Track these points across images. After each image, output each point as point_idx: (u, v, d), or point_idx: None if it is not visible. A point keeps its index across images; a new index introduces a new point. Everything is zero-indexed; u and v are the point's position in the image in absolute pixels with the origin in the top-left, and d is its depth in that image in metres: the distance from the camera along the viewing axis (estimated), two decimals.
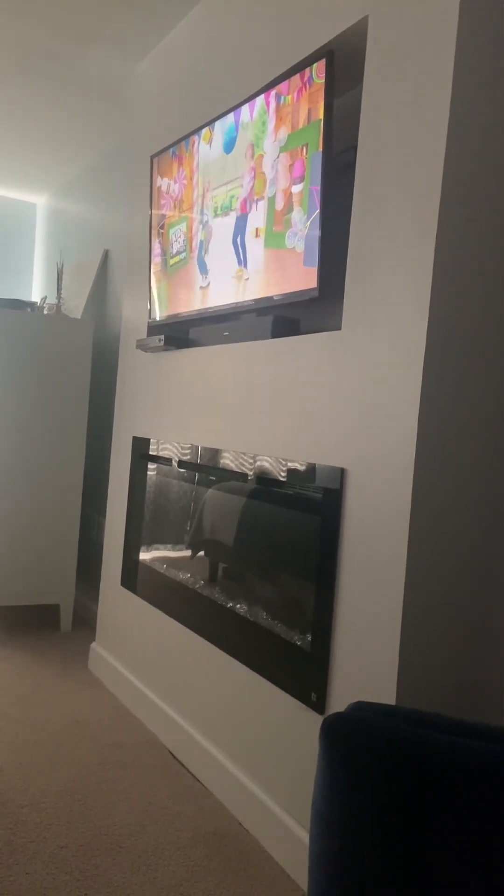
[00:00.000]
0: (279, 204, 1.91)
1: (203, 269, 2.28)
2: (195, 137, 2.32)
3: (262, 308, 2.02)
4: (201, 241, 2.29)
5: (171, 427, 2.48)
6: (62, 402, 3.34)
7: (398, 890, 0.94)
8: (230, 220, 2.12)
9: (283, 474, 1.88)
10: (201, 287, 2.28)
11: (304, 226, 1.81)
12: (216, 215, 2.20)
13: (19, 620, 3.57)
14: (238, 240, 2.05)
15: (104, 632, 2.93)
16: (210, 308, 2.25)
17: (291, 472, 1.84)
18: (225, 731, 2.07)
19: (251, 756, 1.94)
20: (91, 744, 2.33)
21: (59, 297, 3.67)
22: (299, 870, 1.71)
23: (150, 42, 2.77)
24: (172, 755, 2.28)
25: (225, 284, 2.15)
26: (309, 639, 1.76)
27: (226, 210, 2.15)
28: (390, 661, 1.50)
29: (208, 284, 2.24)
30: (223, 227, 2.16)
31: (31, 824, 1.86)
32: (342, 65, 1.78)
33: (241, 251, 2.04)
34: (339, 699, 1.64)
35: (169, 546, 2.54)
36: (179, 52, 2.61)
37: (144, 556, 2.64)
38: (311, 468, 1.77)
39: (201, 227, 2.29)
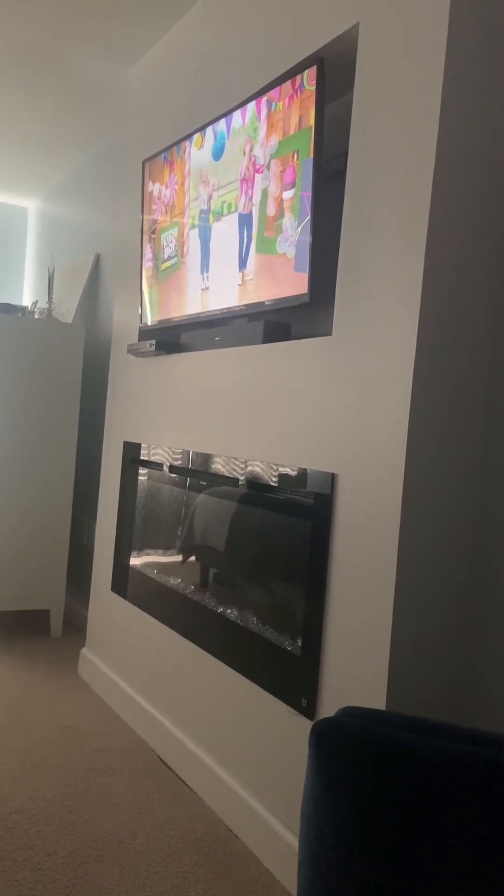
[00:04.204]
0: (270, 210, 1.91)
1: (202, 272, 2.28)
2: (187, 143, 2.33)
3: (253, 313, 2.02)
4: (196, 246, 2.29)
5: (162, 432, 2.47)
6: (53, 407, 3.34)
7: (388, 894, 0.93)
8: (228, 224, 2.12)
9: (274, 479, 1.88)
10: (202, 289, 2.27)
11: (294, 232, 1.82)
12: (211, 220, 2.20)
13: (9, 625, 3.56)
14: (244, 238, 2.03)
15: (94, 637, 2.92)
16: (202, 313, 2.25)
17: (282, 477, 1.85)
18: (215, 736, 2.06)
19: (241, 761, 1.94)
20: (80, 750, 2.32)
21: (50, 301, 3.66)
22: (289, 875, 1.70)
23: (142, 47, 2.78)
24: (162, 761, 2.28)
25: (221, 288, 2.15)
26: (299, 644, 1.76)
27: (217, 215, 2.15)
28: (380, 665, 1.50)
29: (207, 288, 2.24)
30: (219, 231, 2.16)
31: (20, 831, 1.85)
32: (333, 72, 1.79)
33: (244, 252, 2.02)
34: (329, 704, 1.64)
35: (159, 551, 2.53)
36: (171, 58, 2.62)
37: (135, 561, 2.64)
38: (303, 473, 1.77)
39: (192, 232, 2.29)
